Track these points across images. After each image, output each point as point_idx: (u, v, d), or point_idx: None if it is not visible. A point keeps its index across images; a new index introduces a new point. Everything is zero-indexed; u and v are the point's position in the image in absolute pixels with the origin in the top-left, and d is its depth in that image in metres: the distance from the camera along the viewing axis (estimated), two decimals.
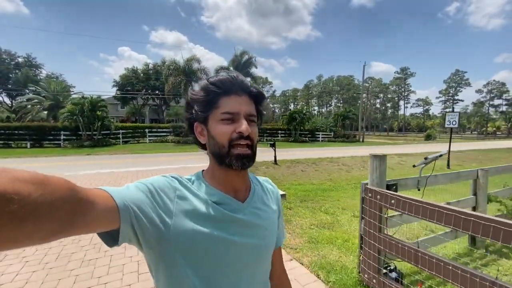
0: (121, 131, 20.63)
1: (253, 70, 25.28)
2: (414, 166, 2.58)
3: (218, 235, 0.59)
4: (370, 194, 2.32)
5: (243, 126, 0.60)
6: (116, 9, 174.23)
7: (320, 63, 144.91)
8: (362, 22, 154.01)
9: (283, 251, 0.83)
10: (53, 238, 0.38)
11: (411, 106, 71.89)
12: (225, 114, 0.61)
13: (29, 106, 22.92)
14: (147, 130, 22.37)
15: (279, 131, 26.61)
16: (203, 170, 0.70)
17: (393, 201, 2.14)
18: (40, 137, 18.14)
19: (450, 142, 11.75)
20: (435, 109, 75.38)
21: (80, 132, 18.42)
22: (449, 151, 11.62)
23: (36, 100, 22.67)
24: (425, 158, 2.47)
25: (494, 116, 64.83)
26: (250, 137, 0.62)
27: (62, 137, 18.38)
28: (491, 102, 65.22)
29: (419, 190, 2.62)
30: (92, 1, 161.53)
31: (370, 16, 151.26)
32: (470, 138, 47.62)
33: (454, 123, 11.03)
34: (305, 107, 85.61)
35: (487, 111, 64.90)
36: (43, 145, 18.03)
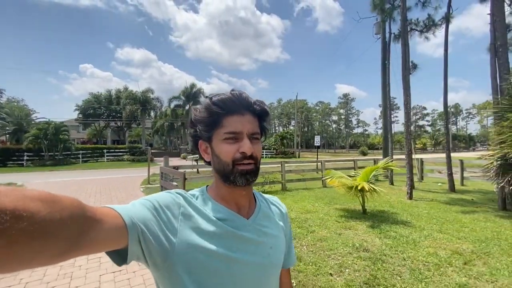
0: (81, 151, 23.73)
1: (202, 99, 30.10)
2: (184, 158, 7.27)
3: (220, 252, 0.59)
4: (161, 170, 6.98)
5: (246, 146, 0.61)
6: (77, 25, 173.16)
7: (290, 84, 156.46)
8: (327, 47, 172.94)
9: None
10: (61, 258, 0.38)
11: (355, 127, 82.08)
12: (228, 134, 0.62)
13: None
14: (105, 150, 25.62)
15: None
16: (207, 186, 0.71)
17: (173, 170, 6.79)
18: (4, 158, 20.63)
19: (317, 156, 17.36)
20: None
21: (42, 154, 21.24)
22: (317, 162, 17.10)
23: None
24: (189, 157, 7.18)
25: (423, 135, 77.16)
26: (253, 156, 0.62)
27: (25, 157, 21.00)
28: (416, 123, 77.83)
29: (197, 172, 7.34)
30: (52, 14, 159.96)
31: (333, 42, 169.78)
32: (395, 153, 56.55)
33: (318, 142, 16.62)
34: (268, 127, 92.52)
35: (415, 130, 77.35)
36: (7, 165, 20.51)
